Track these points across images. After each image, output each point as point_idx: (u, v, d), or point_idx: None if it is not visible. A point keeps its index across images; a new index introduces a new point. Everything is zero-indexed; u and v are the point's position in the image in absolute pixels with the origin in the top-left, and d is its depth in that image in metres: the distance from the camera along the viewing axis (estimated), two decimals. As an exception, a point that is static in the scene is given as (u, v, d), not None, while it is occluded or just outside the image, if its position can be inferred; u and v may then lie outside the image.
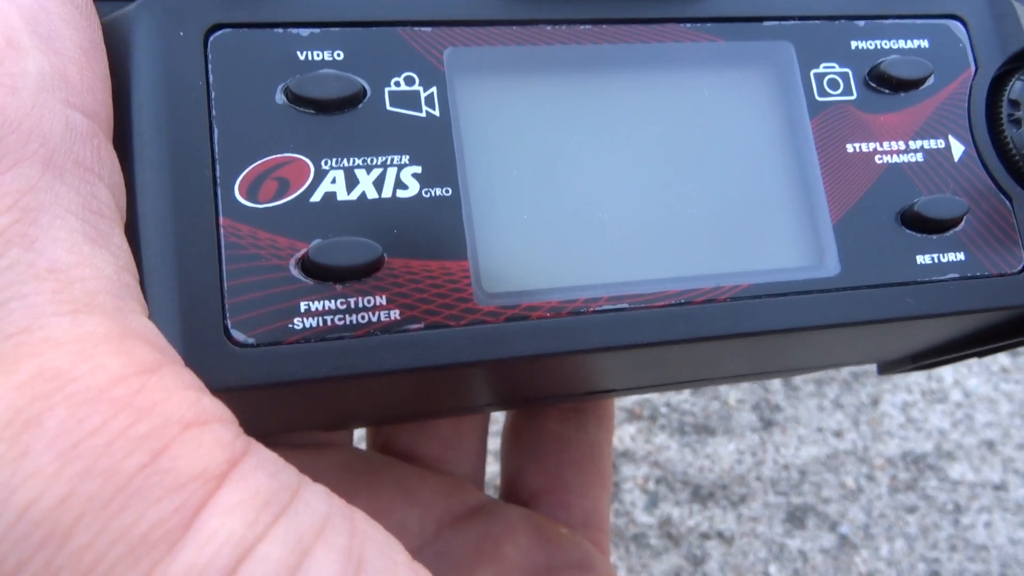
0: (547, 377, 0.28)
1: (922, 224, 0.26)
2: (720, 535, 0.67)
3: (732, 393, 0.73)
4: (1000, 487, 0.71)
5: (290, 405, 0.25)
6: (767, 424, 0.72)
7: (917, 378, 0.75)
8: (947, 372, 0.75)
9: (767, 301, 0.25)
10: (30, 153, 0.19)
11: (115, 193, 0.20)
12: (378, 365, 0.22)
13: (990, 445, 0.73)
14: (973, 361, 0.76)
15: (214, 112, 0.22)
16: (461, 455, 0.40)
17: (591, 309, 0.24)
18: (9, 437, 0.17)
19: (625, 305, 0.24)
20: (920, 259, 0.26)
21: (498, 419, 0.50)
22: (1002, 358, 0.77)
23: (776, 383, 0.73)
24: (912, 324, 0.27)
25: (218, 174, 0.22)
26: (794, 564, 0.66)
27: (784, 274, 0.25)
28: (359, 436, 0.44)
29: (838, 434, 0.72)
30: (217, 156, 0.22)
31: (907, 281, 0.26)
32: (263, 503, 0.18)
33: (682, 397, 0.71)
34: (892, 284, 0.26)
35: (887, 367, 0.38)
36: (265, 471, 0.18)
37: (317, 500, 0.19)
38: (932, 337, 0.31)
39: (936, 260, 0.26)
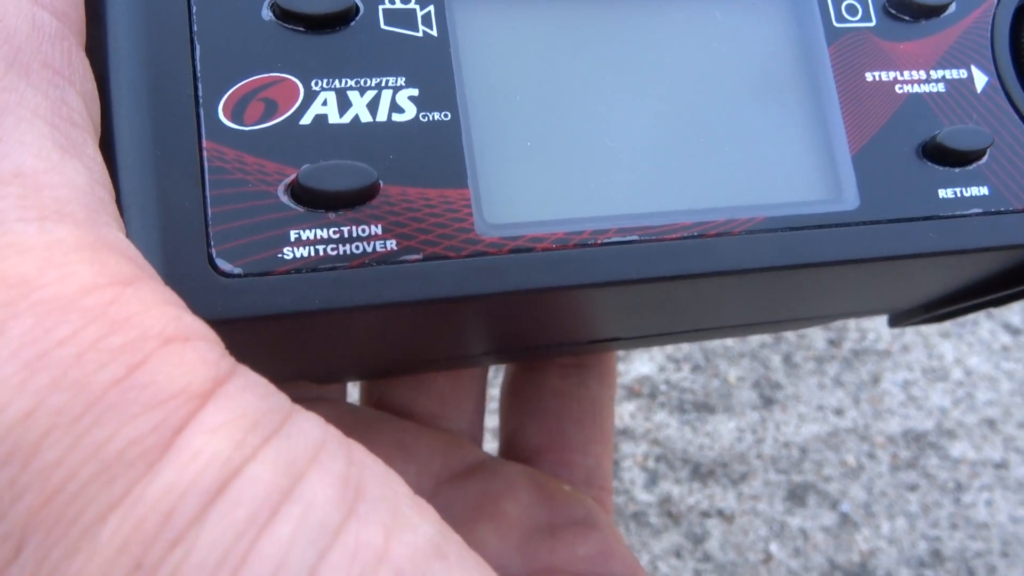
0: (550, 317, 0.27)
1: (944, 156, 0.25)
2: (720, 513, 0.66)
3: (732, 371, 0.72)
4: (1001, 465, 0.71)
5: (279, 345, 0.24)
6: (767, 402, 0.71)
7: (918, 356, 0.74)
8: (948, 350, 0.75)
9: (783, 235, 0.24)
10: None
11: (88, 103, 0.19)
12: (374, 298, 0.21)
13: (991, 423, 0.72)
14: (974, 339, 0.76)
15: (195, 27, 0.21)
16: (459, 411, 0.38)
17: (599, 241, 0.22)
18: None
19: (635, 237, 0.23)
20: (942, 193, 0.25)
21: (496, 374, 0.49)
22: (1003, 336, 0.76)
23: (776, 361, 0.72)
24: (933, 261, 0.25)
25: (200, 94, 0.21)
26: (795, 542, 0.65)
27: (801, 207, 0.24)
28: (353, 393, 0.43)
29: (839, 412, 0.71)
30: (199, 75, 0.21)
31: (929, 215, 0.25)
32: (251, 424, 0.16)
33: (682, 375, 0.71)
34: (913, 219, 0.25)
35: (898, 318, 0.37)
36: (253, 392, 0.17)
37: (311, 425, 0.17)
38: (950, 279, 0.30)
39: (959, 194, 0.25)
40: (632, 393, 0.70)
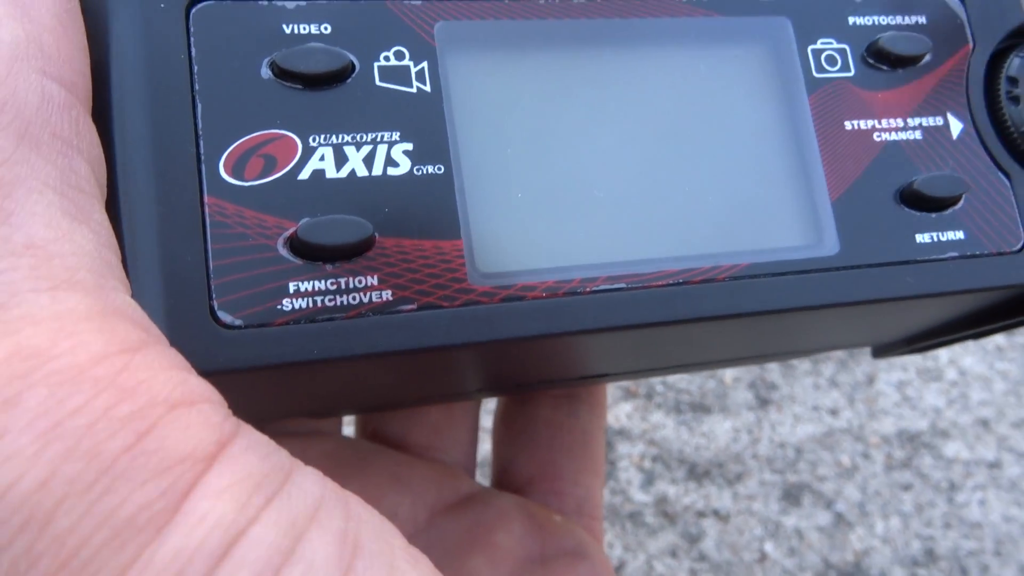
0: (542, 360, 0.28)
1: (921, 202, 0.26)
2: (716, 513, 0.67)
3: (728, 372, 0.72)
4: (994, 465, 0.71)
5: (278, 390, 0.25)
6: (763, 402, 0.72)
7: (912, 357, 0.75)
8: (942, 351, 0.75)
9: (766, 280, 0.24)
10: (4, 124, 0.18)
11: (95, 168, 0.20)
12: (370, 347, 0.22)
13: (985, 423, 0.73)
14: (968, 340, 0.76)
15: (197, 87, 0.22)
16: (452, 442, 0.39)
17: (588, 289, 0.23)
18: None
19: (622, 285, 0.23)
20: (920, 238, 0.26)
21: (489, 404, 0.50)
22: (997, 337, 0.77)
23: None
24: (912, 303, 0.26)
25: (202, 151, 0.21)
26: (790, 542, 0.66)
27: (783, 253, 0.25)
28: (347, 424, 0.44)
29: (834, 412, 0.72)
30: (201, 132, 0.21)
31: (907, 260, 0.26)
32: (254, 485, 0.17)
33: (678, 376, 0.71)
34: (892, 263, 0.26)
35: (882, 350, 0.37)
36: (256, 453, 0.18)
37: (310, 483, 0.18)
38: (930, 318, 0.31)
39: (935, 239, 0.26)
40: (629, 393, 0.71)
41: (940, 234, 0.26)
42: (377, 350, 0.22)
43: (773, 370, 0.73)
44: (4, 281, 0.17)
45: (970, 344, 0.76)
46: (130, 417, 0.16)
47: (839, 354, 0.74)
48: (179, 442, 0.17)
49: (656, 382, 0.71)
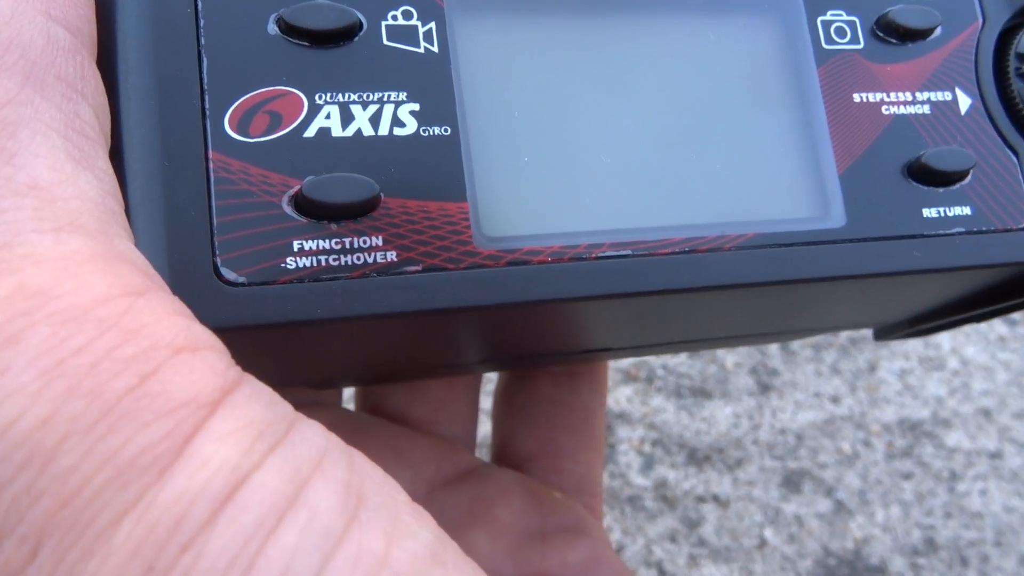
0: (545, 328, 0.28)
1: (929, 176, 0.26)
2: (716, 498, 0.67)
3: (729, 357, 0.72)
4: (996, 455, 0.71)
5: (279, 353, 0.25)
6: (764, 388, 0.71)
7: (915, 345, 0.74)
8: (945, 340, 0.75)
9: (773, 251, 0.24)
10: (8, 64, 0.18)
11: (99, 115, 0.20)
12: (375, 308, 0.21)
13: (986, 413, 0.73)
14: (970, 329, 0.76)
15: (203, 40, 0.21)
16: (453, 417, 0.39)
17: (593, 255, 0.23)
18: None
19: (628, 252, 0.23)
20: (926, 212, 0.26)
21: (490, 380, 0.50)
22: (1000, 327, 0.77)
23: (774, 347, 0.73)
24: (917, 279, 0.26)
25: (207, 106, 0.21)
26: (789, 528, 0.66)
27: (790, 224, 0.25)
28: (347, 402, 0.44)
29: (835, 399, 0.72)
30: (206, 87, 0.21)
31: (913, 234, 0.26)
32: (258, 432, 0.17)
33: (679, 360, 0.71)
34: (898, 237, 0.25)
35: (883, 332, 0.37)
36: (260, 401, 0.18)
37: (314, 433, 0.18)
38: (933, 296, 0.31)
39: (942, 213, 0.26)
40: (629, 377, 0.71)
41: (947, 209, 0.26)
42: (381, 311, 0.21)
43: (774, 356, 0.73)
44: (7, 221, 0.17)
45: (972, 334, 0.76)
46: (133, 358, 0.16)
47: (841, 341, 0.74)
48: (182, 386, 0.17)
49: (657, 366, 0.71)
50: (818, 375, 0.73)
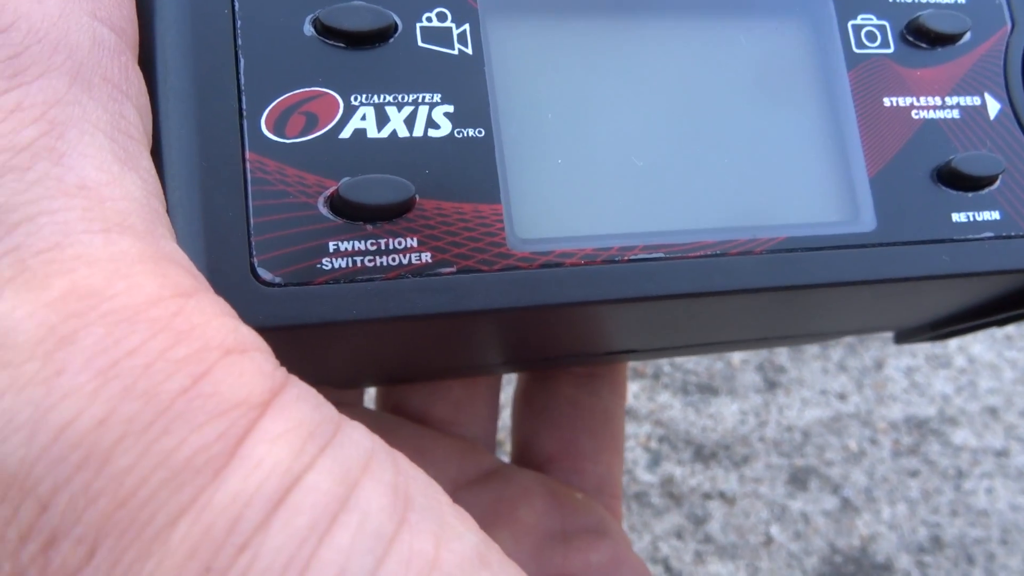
0: (574, 330, 0.28)
1: (958, 181, 0.26)
2: (722, 495, 0.67)
3: (736, 354, 0.72)
4: (1002, 453, 0.71)
5: (308, 352, 0.25)
6: (771, 385, 0.72)
7: (922, 343, 0.75)
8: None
9: (803, 255, 0.24)
10: (57, 64, 0.18)
11: (142, 115, 0.20)
12: (409, 309, 0.21)
13: (993, 411, 0.73)
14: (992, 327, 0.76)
15: (240, 41, 0.21)
16: (473, 418, 0.39)
17: (625, 258, 0.23)
18: (43, 354, 0.16)
19: (660, 254, 0.23)
20: (956, 217, 0.26)
21: (507, 380, 0.50)
22: (1007, 326, 0.77)
23: (781, 344, 0.73)
24: (945, 283, 0.26)
25: (244, 106, 0.21)
26: (795, 525, 0.66)
27: (821, 228, 0.25)
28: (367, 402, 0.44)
29: (842, 397, 0.72)
30: (243, 87, 0.21)
31: (943, 238, 0.26)
32: (308, 434, 0.17)
33: (686, 356, 0.71)
34: (928, 241, 0.25)
35: (904, 336, 0.37)
36: (307, 403, 0.18)
37: (360, 435, 0.18)
38: (959, 300, 0.31)
39: (971, 218, 0.26)
40: (636, 373, 0.71)
41: (976, 214, 0.26)
42: (416, 312, 0.21)
43: (781, 353, 0.73)
44: (58, 221, 0.17)
45: (979, 332, 0.76)
46: (186, 360, 0.16)
47: (848, 339, 0.74)
48: (234, 387, 0.17)
49: (664, 363, 0.71)
50: (825, 372, 0.73)
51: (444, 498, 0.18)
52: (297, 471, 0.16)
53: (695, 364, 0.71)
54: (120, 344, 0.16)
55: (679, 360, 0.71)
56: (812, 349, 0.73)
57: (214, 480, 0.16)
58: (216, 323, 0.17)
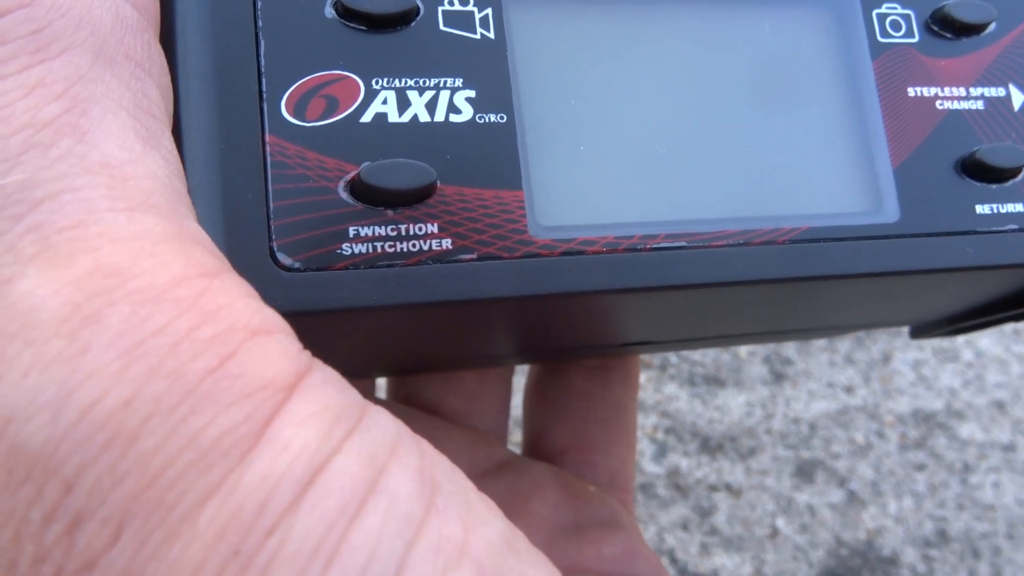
0: (591, 320, 0.27)
1: (983, 172, 0.26)
2: (728, 487, 0.67)
3: (744, 346, 0.72)
4: (1009, 448, 0.71)
5: (324, 339, 0.25)
6: (778, 377, 0.71)
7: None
8: (960, 332, 0.75)
9: (826, 245, 0.24)
10: (80, 40, 0.18)
11: (164, 94, 0.19)
12: (430, 295, 0.21)
13: (1000, 406, 0.73)
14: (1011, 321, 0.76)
15: (260, 23, 0.21)
16: (485, 409, 0.39)
17: (648, 246, 0.23)
18: (67, 333, 0.16)
19: (683, 243, 0.23)
20: (979, 208, 0.26)
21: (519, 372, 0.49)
22: (1014, 320, 0.76)
23: (789, 337, 0.72)
24: (967, 276, 0.26)
25: (264, 89, 0.21)
26: (802, 518, 0.66)
27: (844, 218, 0.25)
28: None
29: (849, 390, 0.71)
30: (263, 70, 0.21)
31: (966, 230, 0.25)
32: (335, 417, 0.17)
33: (702, 349, 0.71)
34: (951, 233, 0.25)
35: (921, 330, 0.37)
36: (333, 386, 0.17)
37: (385, 419, 0.18)
38: (980, 293, 0.30)
39: (995, 210, 0.26)
40: (643, 365, 0.71)
41: (1000, 206, 0.26)
42: (436, 299, 0.21)
43: (789, 345, 0.73)
44: (82, 198, 0.17)
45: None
46: (212, 340, 0.16)
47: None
48: (261, 369, 0.16)
49: (671, 354, 0.71)
50: (832, 365, 0.72)
51: (469, 484, 0.18)
52: (325, 454, 0.16)
53: (702, 356, 0.71)
54: (146, 323, 0.16)
55: (686, 351, 0.71)
56: (820, 342, 0.73)
57: (241, 462, 0.16)
58: (241, 304, 0.17)
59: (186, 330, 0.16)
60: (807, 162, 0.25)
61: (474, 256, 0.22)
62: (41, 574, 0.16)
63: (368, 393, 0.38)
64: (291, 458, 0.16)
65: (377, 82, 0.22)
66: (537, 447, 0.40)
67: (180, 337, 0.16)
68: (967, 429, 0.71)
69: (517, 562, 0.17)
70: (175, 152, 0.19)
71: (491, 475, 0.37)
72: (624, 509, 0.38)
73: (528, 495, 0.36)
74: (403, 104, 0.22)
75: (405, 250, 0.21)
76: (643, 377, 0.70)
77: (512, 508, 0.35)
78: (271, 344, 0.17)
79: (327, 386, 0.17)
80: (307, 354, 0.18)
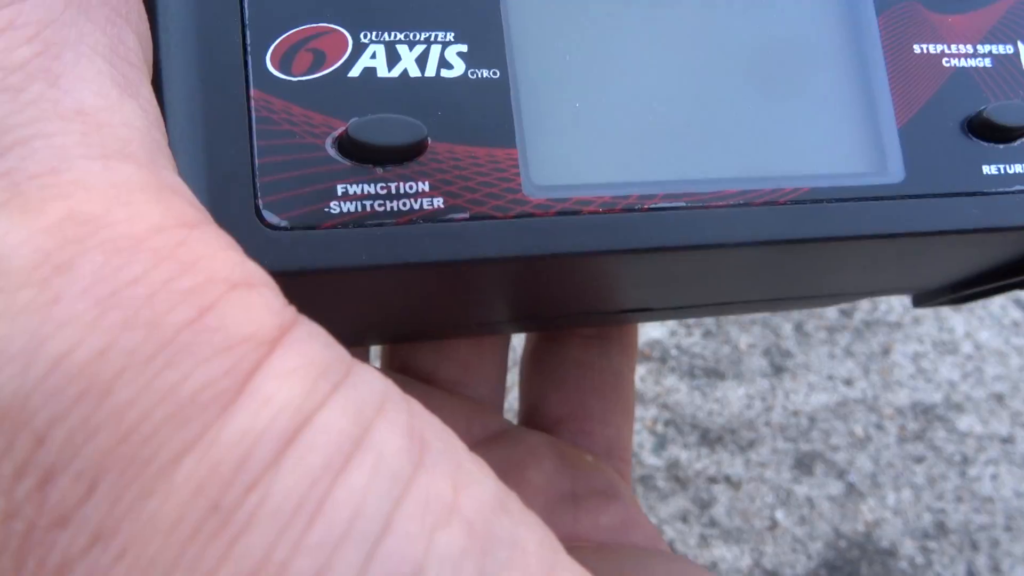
0: (588, 284, 0.27)
1: (990, 132, 0.25)
2: (728, 479, 0.66)
3: (743, 337, 0.72)
4: (1007, 440, 0.71)
5: (314, 302, 0.24)
6: (777, 370, 0.71)
7: (929, 329, 0.74)
8: (959, 324, 0.75)
9: (829, 206, 0.24)
10: None
11: (142, 42, 0.19)
12: (421, 255, 0.21)
13: (999, 398, 0.72)
14: (985, 314, 0.75)
15: None
16: (481, 378, 0.38)
17: (645, 206, 0.22)
18: (38, 281, 0.15)
19: (682, 204, 0.22)
20: (986, 169, 0.25)
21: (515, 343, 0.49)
22: (1014, 311, 0.76)
23: (788, 329, 0.72)
24: (973, 238, 0.25)
25: (248, 41, 0.20)
26: (801, 510, 0.66)
27: (846, 179, 0.24)
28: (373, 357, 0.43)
29: (848, 382, 0.71)
30: (247, 21, 0.20)
31: (973, 191, 0.25)
32: (319, 371, 0.16)
33: (693, 340, 0.71)
34: (957, 194, 0.25)
35: (924, 298, 0.37)
36: (318, 341, 0.17)
37: (372, 376, 0.17)
38: (985, 257, 0.30)
39: (1003, 171, 0.25)
40: (642, 357, 0.70)
41: (1007, 166, 0.25)
42: (428, 259, 0.21)
43: (788, 338, 0.72)
44: (54, 145, 0.16)
45: (987, 318, 0.76)
46: (191, 291, 0.16)
47: (855, 323, 0.73)
48: (241, 322, 0.16)
49: (671, 346, 0.71)
50: (832, 357, 0.72)
51: (460, 444, 0.17)
52: (309, 409, 0.16)
53: (702, 348, 0.71)
54: (120, 273, 0.15)
55: (686, 344, 0.71)
56: (819, 334, 0.72)
57: (221, 416, 0.15)
58: (222, 256, 0.16)
59: (163, 280, 0.15)
60: (809, 121, 0.24)
61: (466, 216, 0.21)
62: (12, 530, 0.15)
63: (362, 360, 0.37)
64: (273, 413, 0.15)
65: (365, 35, 0.21)
66: (534, 416, 0.40)
67: (156, 288, 0.15)
68: (966, 421, 0.71)
69: (510, 521, 0.16)
70: (154, 102, 0.18)
71: (487, 444, 0.36)
72: (621, 479, 0.38)
73: (524, 464, 0.35)
74: (392, 58, 0.21)
75: (395, 209, 0.21)
76: (643, 369, 0.69)
77: (508, 477, 0.35)
78: (253, 297, 0.16)
79: (312, 341, 0.17)
80: (292, 309, 0.17)
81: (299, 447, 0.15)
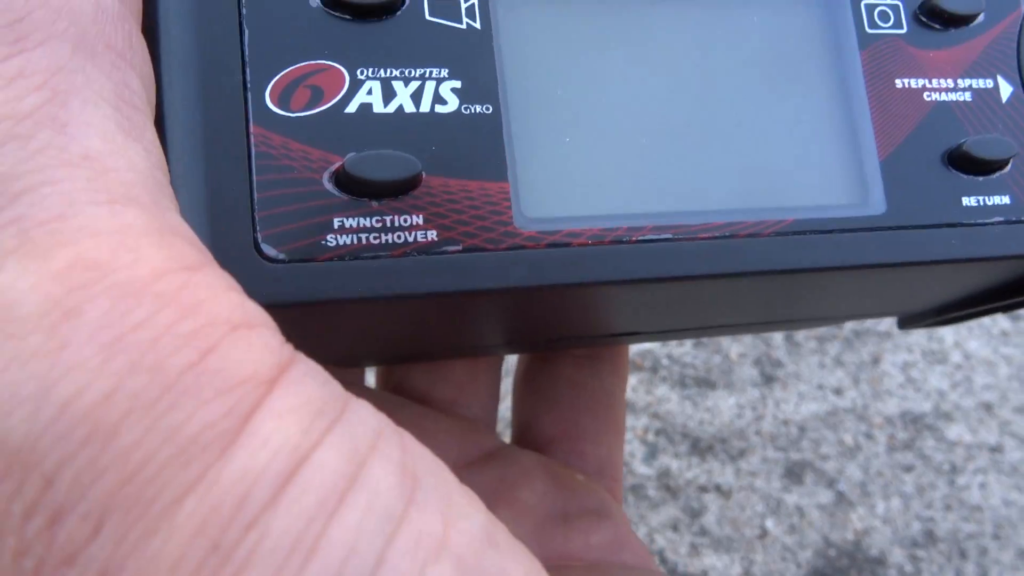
0: (578, 311, 0.27)
1: (969, 165, 0.26)
2: (718, 488, 0.67)
3: (734, 347, 0.72)
4: (996, 449, 0.71)
5: (310, 330, 0.25)
6: (768, 379, 0.71)
7: (918, 339, 0.75)
8: (948, 333, 0.75)
9: (812, 238, 0.24)
10: (60, 31, 0.18)
11: (146, 85, 0.19)
12: (415, 287, 0.21)
13: (988, 407, 0.73)
14: (973, 323, 0.76)
15: (244, 11, 0.21)
16: (474, 399, 0.39)
17: (634, 238, 0.23)
18: (47, 327, 0.16)
19: (669, 235, 0.23)
20: (966, 201, 0.26)
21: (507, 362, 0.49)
22: (1003, 321, 0.77)
23: (778, 339, 0.73)
24: (954, 268, 0.26)
25: (248, 79, 0.21)
26: (791, 519, 0.66)
27: (829, 211, 0.24)
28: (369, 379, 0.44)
29: (838, 391, 0.72)
30: (247, 59, 0.21)
31: (953, 223, 0.25)
32: (316, 411, 0.17)
33: (684, 350, 0.71)
34: (937, 225, 0.25)
35: (909, 320, 0.37)
36: (314, 380, 0.17)
37: (367, 413, 0.18)
38: (966, 285, 0.30)
39: (982, 203, 0.26)
40: (634, 366, 0.71)
41: (986, 198, 0.26)
42: (421, 291, 0.21)
43: (779, 347, 0.73)
44: (62, 191, 0.17)
45: (975, 328, 0.76)
46: (193, 334, 0.16)
47: (845, 333, 0.74)
48: (241, 363, 0.16)
49: (662, 356, 0.71)
50: (822, 367, 0.73)
51: (451, 477, 0.18)
52: (305, 448, 0.16)
53: (692, 358, 0.71)
54: (126, 318, 0.16)
55: (677, 353, 0.71)
56: (809, 344, 0.73)
57: (221, 457, 0.16)
58: (223, 298, 0.17)
59: (166, 324, 0.16)
60: (794, 154, 0.25)
61: (459, 248, 0.22)
62: (23, 567, 0.16)
63: (357, 382, 0.38)
64: (271, 453, 0.16)
65: (362, 72, 0.22)
66: (526, 436, 0.40)
67: (160, 331, 0.16)
68: (955, 430, 0.71)
69: (497, 555, 0.17)
70: (157, 143, 0.19)
71: (480, 464, 0.36)
72: (612, 498, 0.38)
73: (516, 484, 0.36)
74: (388, 94, 0.22)
75: (390, 241, 0.21)
76: (634, 379, 0.70)
77: (500, 497, 0.35)
78: (252, 338, 0.17)
79: (309, 380, 0.17)
80: (289, 347, 0.18)
81: (296, 486, 0.16)
